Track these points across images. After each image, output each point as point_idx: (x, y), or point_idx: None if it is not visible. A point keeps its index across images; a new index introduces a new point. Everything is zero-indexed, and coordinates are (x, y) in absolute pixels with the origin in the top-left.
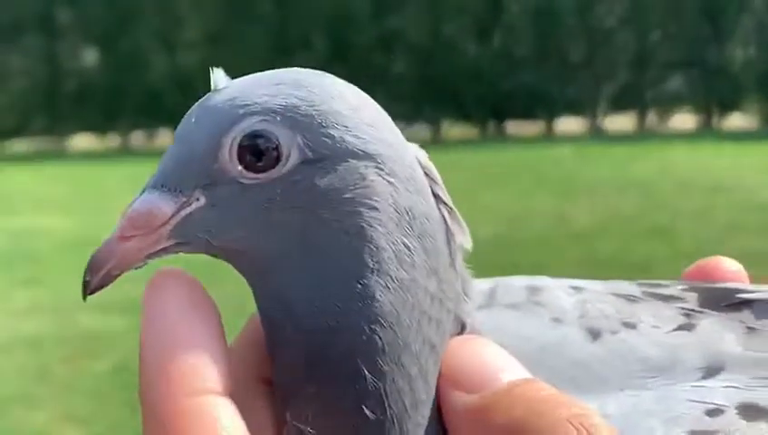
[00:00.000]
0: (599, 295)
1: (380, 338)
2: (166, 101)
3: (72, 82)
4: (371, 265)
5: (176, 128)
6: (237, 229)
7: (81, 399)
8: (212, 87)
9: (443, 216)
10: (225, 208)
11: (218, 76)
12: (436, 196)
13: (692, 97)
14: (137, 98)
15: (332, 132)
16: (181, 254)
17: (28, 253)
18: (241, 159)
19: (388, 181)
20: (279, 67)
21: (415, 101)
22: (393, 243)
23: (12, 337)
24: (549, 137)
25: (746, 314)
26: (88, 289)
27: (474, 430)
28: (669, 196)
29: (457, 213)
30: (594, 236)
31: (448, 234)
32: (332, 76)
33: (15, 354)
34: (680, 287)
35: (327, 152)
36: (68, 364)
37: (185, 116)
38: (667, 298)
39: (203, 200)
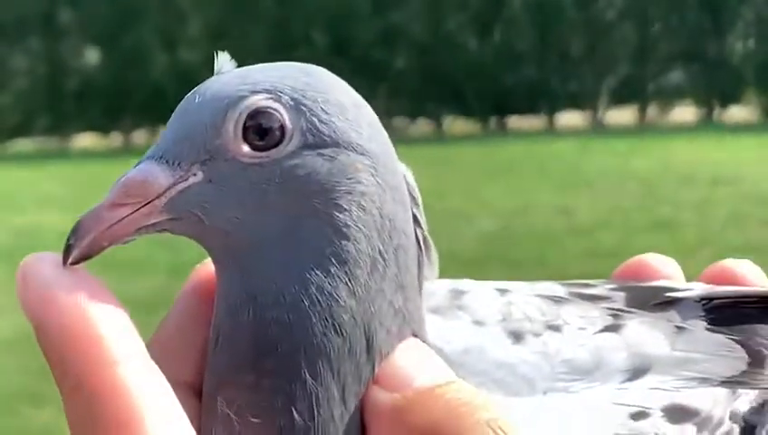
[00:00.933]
0: (524, 297)
1: (331, 344)
2: (168, 98)
3: (74, 81)
4: (346, 269)
5: None
6: (232, 208)
7: None
8: (216, 71)
9: (417, 239)
10: (223, 186)
11: (223, 60)
12: (415, 218)
13: (693, 90)
14: (139, 96)
15: (335, 121)
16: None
17: (32, 250)
18: (245, 137)
19: (379, 184)
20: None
21: (416, 96)
22: (372, 249)
23: (16, 335)
24: (550, 131)
25: (674, 313)
26: (71, 254)
27: (393, 429)
28: (671, 188)
29: (431, 242)
30: (596, 230)
31: (420, 258)
32: (333, 75)
33: (20, 352)
34: (608, 287)
35: (328, 140)
36: None
37: (187, 95)
38: (594, 298)
39: (200, 176)
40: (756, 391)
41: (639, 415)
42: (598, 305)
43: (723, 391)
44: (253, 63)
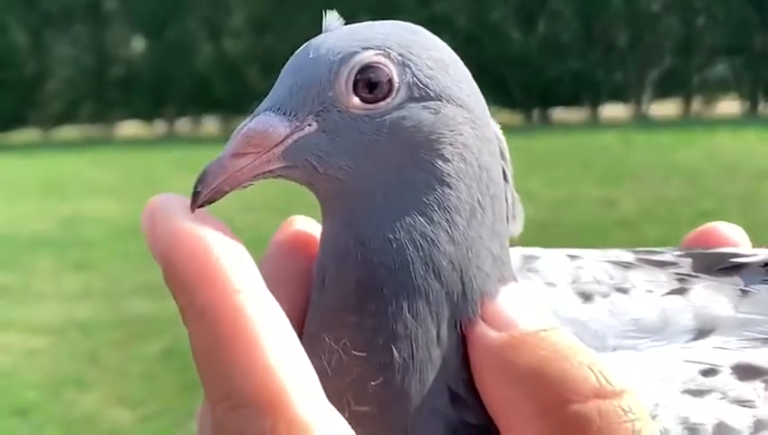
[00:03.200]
0: (593, 263)
1: (430, 287)
2: (212, 88)
3: (119, 70)
4: (447, 216)
5: (222, 115)
6: (344, 156)
7: (133, 382)
8: (324, 28)
9: (506, 192)
10: (336, 136)
11: (331, 18)
12: (503, 172)
13: (737, 83)
14: (183, 85)
15: (439, 76)
16: None
17: (79, 238)
18: (355, 90)
19: (478, 136)
20: None
21: None
22: (471, 198)
23: (64, 321)
24: (594, 123)
25: (738, 278)
26: (198, 200)
27: (498, 366)
28: (715, 181)
29: (517, 196)
30: (641, 222)
31: (508, 211)
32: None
33: (68, 338)
34: (675, 253)
35: (432, 94)
36: (119, 348)
37: (297, 51)
38: (661, 264)
39: (315, 126)
40: None
41: (709, 372)
42: (665, 270)
43: None
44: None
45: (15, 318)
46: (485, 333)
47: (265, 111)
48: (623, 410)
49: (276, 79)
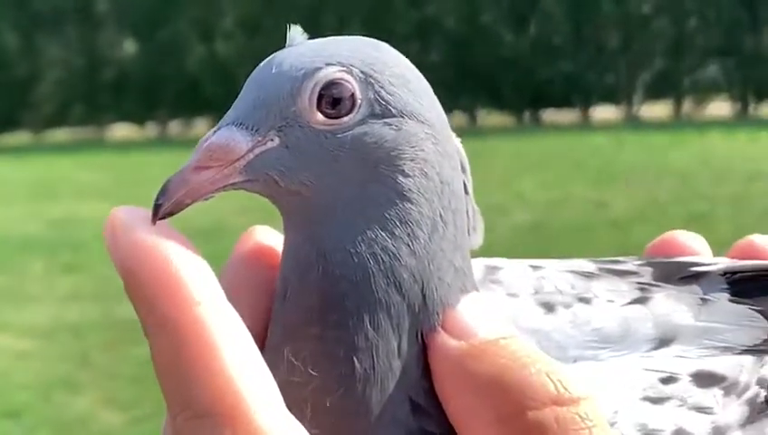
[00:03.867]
0: (555, 273)
1: (391, 300)
2: (204, 89)
3: (110, 72)
4: (408, 230)
5: (213, 117)
6: (305, 171)
7: (123, 384)
8: (287, 42)
9: (467, 205)
10: (297, 151)
11: (295, 32)
12: (464, 185)
13: (728, 84)
14: (175, 87)
15: (400, 93)
16: None
17: (70, 240)
18: (318, 105)
19: (439, 151)
20: None
21: (451, 89)
22: (433, 212)
23: (55, 323)
24: (585, 125)
25: (698, 287)
26: (159, 212)
27: (458, 374)
28: (706, 183)
29: (477, 209)
30: (631, 224)
31: (469, 223)
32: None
33: (59, 340)
34: (636, 263)
35: (393, 110)
36: (110, 350)
37: (260, 65)
38: (622, 274)
39: (277, 141)
40: None
41: (669, 380)
42: (626, 280)
43: (749, 359)
44: None
45: (6, 320)
46: (445, 342)
47: (228, 124)
48: (580, 416)
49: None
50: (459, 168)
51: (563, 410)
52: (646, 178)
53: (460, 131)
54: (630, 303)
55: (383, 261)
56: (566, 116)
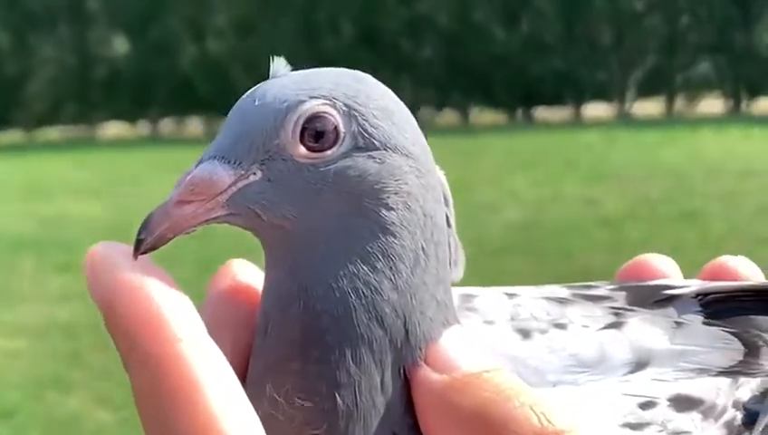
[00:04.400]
0: (530, 300)
1: (373, 335)
2: (195, 88)
3: (102, 70)
4: (390, 264)
5: (205, 116)
6: (288, 205)
7: (114, 383)
8: (271, 74)
9: (449, 238)
10: (280, 184)
11: (279, 65)
12: (446, 218)
13: (720, 82)
14: (167, 86)
15: (384, 126)
16: None
17: (61, 239)
18: (301, 138)
19: (422, 184)
20: (306, 53)
21: (443, 86)
22: (415, 245)
23: (46, 323)
24: (577, 122)
25: (672, 310)
26: (141, 247)
27: (441, 408)
28: (698, 180)
29: (459, 243)
30: (623, 221)
31: (450, 256)
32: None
33: (50, 339)
34: (609, 287)
35: (377, 143)
36: (101, 349)
37: (243, 97)
38: (596, 298)
39: (259, 174)
40: (757, 381)
41: (647, 405)
42: (600, 305)
43: (725, 381)
44: (279, 54)
45: None
46: (428, 376)
47: (210, 158)
48: None
49: (260, 77)
50: (442, 200)
51: None
52: (637, 175)
53: (452, 129)
54: (605, 327)
55: (365, 295)
56: (558, 114)
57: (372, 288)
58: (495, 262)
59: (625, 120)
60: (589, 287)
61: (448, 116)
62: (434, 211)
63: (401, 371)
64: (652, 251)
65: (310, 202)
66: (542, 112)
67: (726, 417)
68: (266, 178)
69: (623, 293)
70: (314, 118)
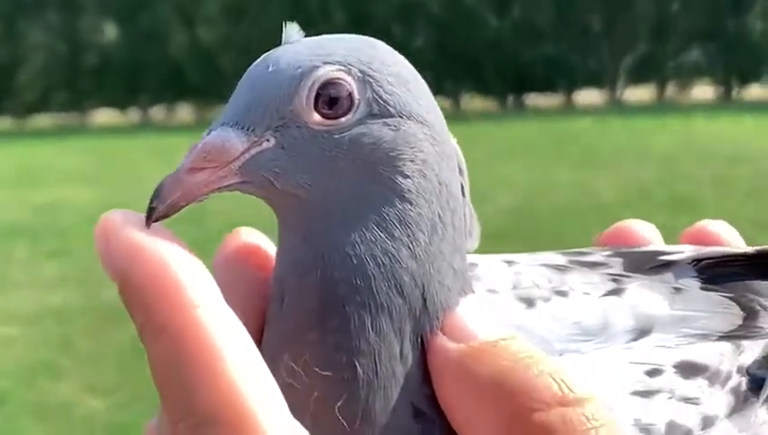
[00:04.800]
0: (529, 268)
1: (393, 303)
2: (186, 75)
3: (92, 57)
4: (408, 232)
5: (196, 103)
6: (302, 172)
7: (106, 370)
8: (284, 40)
9: (464, 207)
10: (294, 151)
11: (291, 30)
12: (461, 187)
13: (712, 68)
14: (157, 73)
15: (399, 93)
16: None
17: (53, 226)
18: (316, 105)
19: (437, 152)
20: None
21: (434, 73)
22: (432, 213)
23: (38, 309)
24: (569, 109)
25: (669, 275)
26: (154, 215)
27: (459, 377)
28: (690, 166)
29: (474, 212)
30: (615, 207)
31: (465, 225)
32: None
33: (42, 326)
34: (604, 254)
35: (392, 110)
36: (93, 336)
37: (255, 63)
38: (593, 265)
39: (273, 141)
40: (760, 345)
41: (654, 372)
42: (597, 271)
43: (728, 347)
44: (270, 41)
45: None
46: (445, 344)
47: (222, 124)
48: (586, 417)
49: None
50: (457, 169)
51: (569, 410)
52: (629, 161)
53: (443, 115)
54: (606, 294)
55: (383, 263)
56: (549, 100)
57: (390, 256)
58: (488, 248)
59: (616, 106)
60: (583, 254)
61: (440, 103)
62: (449, 180)
63: (419, 339)
64: None
65: (324, 169)
66: (533, 99)
67: (732, 383)
68: (280, 145)
69: (619, 259)
70: (328, 84)
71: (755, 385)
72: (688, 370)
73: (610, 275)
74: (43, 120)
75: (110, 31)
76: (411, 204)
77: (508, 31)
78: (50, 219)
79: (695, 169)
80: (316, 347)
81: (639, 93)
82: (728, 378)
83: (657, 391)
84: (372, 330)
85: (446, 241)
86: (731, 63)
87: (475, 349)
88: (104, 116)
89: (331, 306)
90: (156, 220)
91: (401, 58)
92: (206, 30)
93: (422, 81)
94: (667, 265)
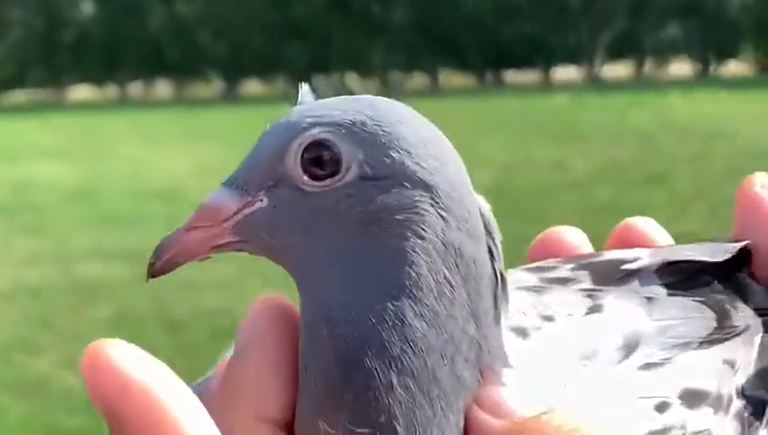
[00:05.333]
0: (510, 293)
1: (410, 361)
2: (164, 51)
3: (69, 33)
4: (408, 289)
5: (174, 79)
6: (293, 232)
7: (83, 346)
8: (298, 102)
9: (495, 273)
10: (285, 211)
11: (304, 92)
12: (490, 251)
13: (689, 45)
14: (135, 49)
15: (394, 154)
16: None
17: (29, 202)
18: (303, 166)
19: (441, 215)
20: (276, 18)
21: (413, 50)
22: (435, 273)
23: (14, 285)
24: (547, 85)
25: (636, 285)
26: (151, 272)
27: None
28: (667, 143)
29: (507, 276)
30: (592, 183)
31: (497, 292)
32: (411, 109)
33: (18, 302)
34: (568, 267)
35: (386, 172)
36: (70, 312)
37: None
38: (563, 281)
39: (266, 201)
40: (751, 362)
41: (662, 406)
42: (570, 288)
43: (719, 364)
44: (248, 19)
45: None
46: (485, 421)
47: (224, 185)
48: None
49: (230, 41)
50: (477, 232)
51: None
52: (607, 138)
53: (421, 92)
54: (588, 313)
55: (387, 321)
56: (528, 77)
57: (395, 314)
58: None
59: (594, 83)
60: (548, 269)
61: (418, 79)
62: (460, 241)
63: (454, 407)
64: (621, 212)
65: (315, 230)
66: (511, 76)
67: (735, 408)
68: (272, 204)
69: (584, 272)
70: (316, 145)
71: (755, 408)
72: (692, 398)
73: (583, 290)
74: (19, 95)
75: (88, 6)
76: (406, 263)
77: (487, 8)
78: (26, 196)
79: (671, 145)
80: (349, 408)
81: (617, 70)
82: (730, 402)
83: (671, 428)
84: (400, 387)
85: (458, 305)
86: (708, 40)
87: (518, 425)
88: (81, 92)
89: (349, 364)
90: (153, 276)
91: (408, 118)
92: (184, 5)
93: (435, 143)
94: (632, 274)
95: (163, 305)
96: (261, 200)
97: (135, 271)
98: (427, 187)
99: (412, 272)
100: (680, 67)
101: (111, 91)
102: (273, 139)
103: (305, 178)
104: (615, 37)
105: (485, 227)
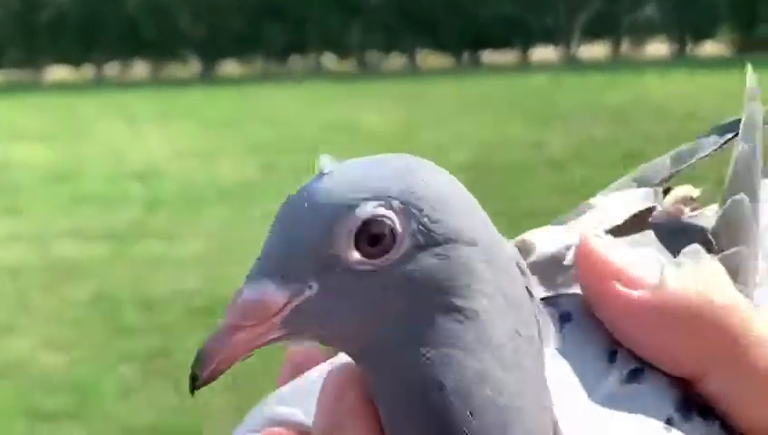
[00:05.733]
0: None
1: (512, 423)
2: (142, 32)
3: (46, 13)
4: (490, 351)
5: (151, 59)
6: (351, 318)
7: (62, 326)
8: (317, 170)
9: (534, 310)
10: (338, 297)
11: (324, 161)
12: (527, 289)
13: (666, 25)
14: (112, 29)
15: (443, 219)
16: None
17: (7, 183)
18: (357, 245)
19: (493, 270)
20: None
21: (390, 30)
22: (507, 329)
23: None
24: (524, 66)
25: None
26: (197, 384)
27: (647, 318)
28: (644, 122)
29: (545, 313)
30: (569, 163)
31: (539, 328)
32: (432, 163)
33: None
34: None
35: (439, 238)
36: (48, 292)
37: (291, 197)
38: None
39: (315, 288)
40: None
41: (668, 421)
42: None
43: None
44: (226, 3)
45: None
46: (620, 290)
47: (260, 274)
48: None
49: (208, 23)
50: (518, 277)
51: None
52: (583, 117)
53: (399, 73)
54: (561, 321)
55: (492, 388)
56: (505, 57)
57: (480, 376)
58: None
59: (571, 63)
60: None
61: (396, 60)
62: (512, 292)
63: None
64: (597, 191)
65: (375, 312)
66: (489, 56)
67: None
68: (323, 290)
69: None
70: (370, 222)
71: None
72: (685, 409)
73: (541, 300)
74: None
75: None
76: (482, 324)
77: None
78: (3, 176)
79: (648, 125)
80: None
81: (594, 50)
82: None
83: None
84: None
85: (530, 354)
86: (685, 20)
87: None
88: (58, 72)
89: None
90: (198, 388)
91: (444, 178)
92: None
93: (466, 195)
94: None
95: (141, 285)
96: (310, 287)
97: (114, 250)
98: (477, 244)
99: (489, 332)
100: (657, 47)
101: (88, 71)
102: (315, 217)
103: (359, 257)
104: (592, 17)
105: (519, 267)
